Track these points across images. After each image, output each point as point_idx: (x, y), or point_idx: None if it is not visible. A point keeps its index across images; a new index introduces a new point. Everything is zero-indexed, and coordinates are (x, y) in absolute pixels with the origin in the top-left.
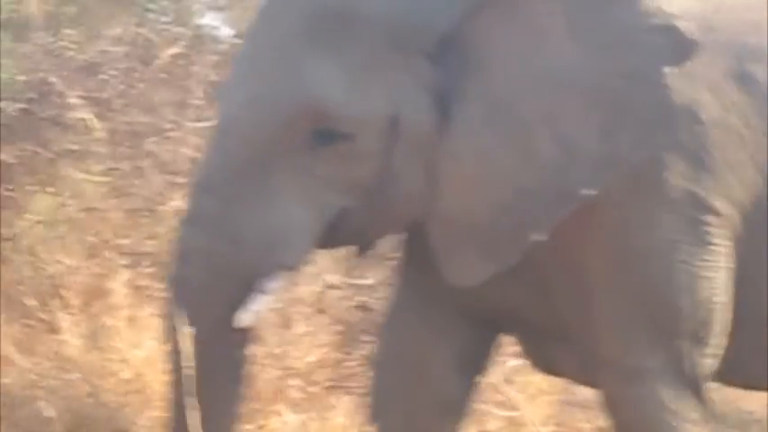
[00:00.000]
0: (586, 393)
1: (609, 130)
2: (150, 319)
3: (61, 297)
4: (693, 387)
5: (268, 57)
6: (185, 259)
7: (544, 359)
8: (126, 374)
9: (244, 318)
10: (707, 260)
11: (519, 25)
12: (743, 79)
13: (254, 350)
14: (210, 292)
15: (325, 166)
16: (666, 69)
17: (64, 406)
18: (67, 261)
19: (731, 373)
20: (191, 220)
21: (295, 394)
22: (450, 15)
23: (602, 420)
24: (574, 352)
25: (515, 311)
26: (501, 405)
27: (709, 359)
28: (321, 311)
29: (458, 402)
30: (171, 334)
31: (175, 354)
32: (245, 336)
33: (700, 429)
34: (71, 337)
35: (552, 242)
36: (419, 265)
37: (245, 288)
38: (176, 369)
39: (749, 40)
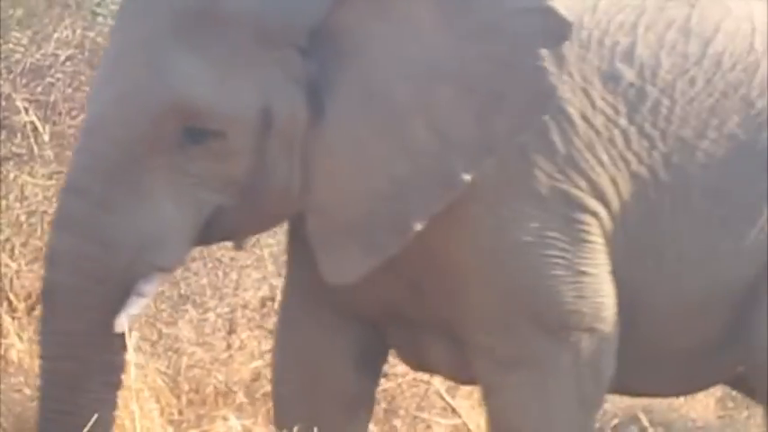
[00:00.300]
0: None
1: (484, 114)
2: None
3: (6, 301)
4: (588, 383)
5: (134, 55)
6: (55, 264)
7: (417, 355)
8: None
9: (120, 322)
10: (585, 257)
11: (387, 13)
12: (612, 79)
13: (200, 355)
14: (83, 297)
15: (199, 164)
16: (542, 51)
17: (6, 410)
18: (12, 265)
19: None
20: (59, 224)
21: (240, 399)
22: (320, 7)
23: None
24: (449, 347)
25: (390, 309)
26: (445, 413)
27: (609, 355)
28: (267, 316)
29: (360, 400)
30: (44, 340)
31: (48, 359)
32: (121, 340)
33: (577, 420)
34: (16, 341)
35: (424, 239)
36: (303, 261)
37: (121, 291)
38: (47, 376)
39: (620, 39)
